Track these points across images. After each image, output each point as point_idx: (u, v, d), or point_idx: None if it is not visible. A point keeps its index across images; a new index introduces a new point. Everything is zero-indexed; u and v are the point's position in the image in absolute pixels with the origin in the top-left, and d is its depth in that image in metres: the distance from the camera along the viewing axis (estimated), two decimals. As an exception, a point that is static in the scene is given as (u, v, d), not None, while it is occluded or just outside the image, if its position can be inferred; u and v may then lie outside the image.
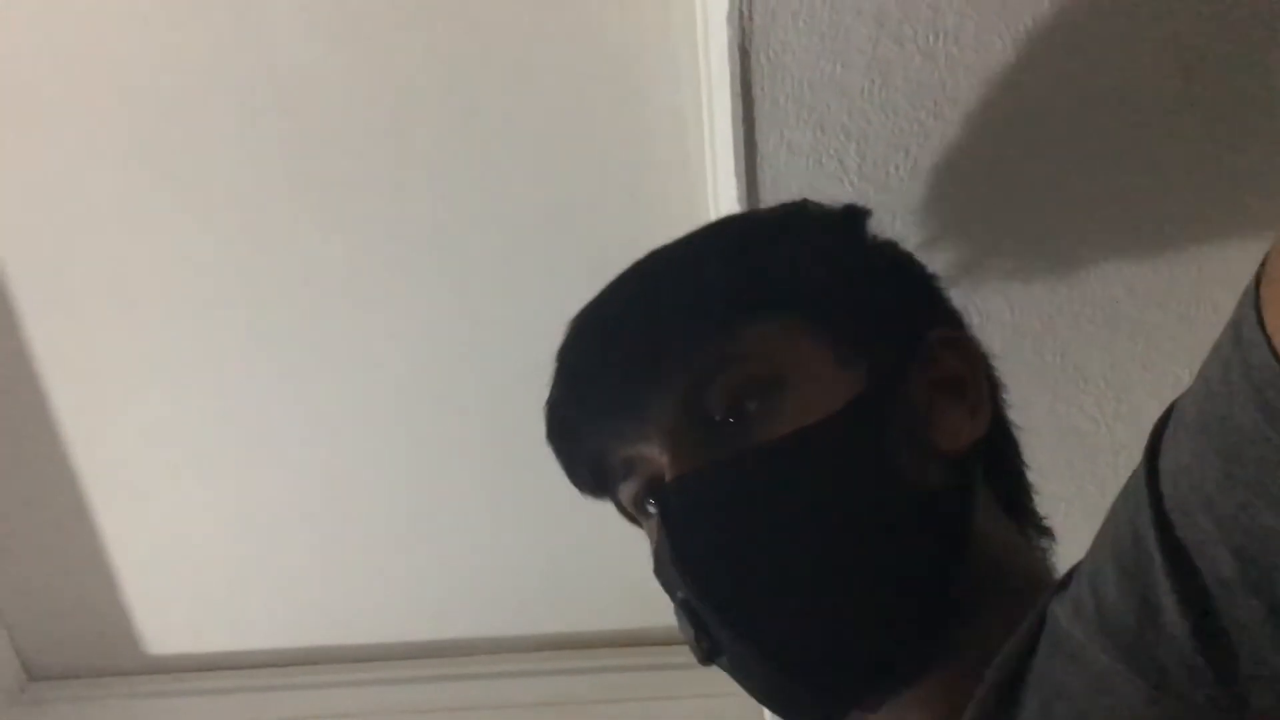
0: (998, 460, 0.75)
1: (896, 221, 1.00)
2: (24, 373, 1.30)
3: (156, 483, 1.36)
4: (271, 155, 1.18)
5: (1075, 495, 1.17)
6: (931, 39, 0.92)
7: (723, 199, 1.02)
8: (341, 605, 1.43)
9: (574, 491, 0.83)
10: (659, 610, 1.39)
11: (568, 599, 1.38)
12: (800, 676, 0.68)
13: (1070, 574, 0.56)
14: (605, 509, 1.28)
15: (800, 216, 0.81)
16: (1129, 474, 1.08)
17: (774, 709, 0.72)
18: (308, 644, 1.46)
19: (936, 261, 1.03)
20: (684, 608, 0.70)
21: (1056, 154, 0.98)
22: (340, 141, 1.17)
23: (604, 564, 1.35)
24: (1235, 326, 0.44)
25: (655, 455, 0.71)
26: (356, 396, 1.30)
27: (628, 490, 0.76)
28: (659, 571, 0.73)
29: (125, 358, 1.29)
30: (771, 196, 0.98)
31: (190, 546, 1.40)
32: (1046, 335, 1.09)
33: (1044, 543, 0.78)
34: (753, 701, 1.31)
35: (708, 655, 0.71)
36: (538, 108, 1.13)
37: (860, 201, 0.98)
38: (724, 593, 0.68)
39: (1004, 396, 0.79)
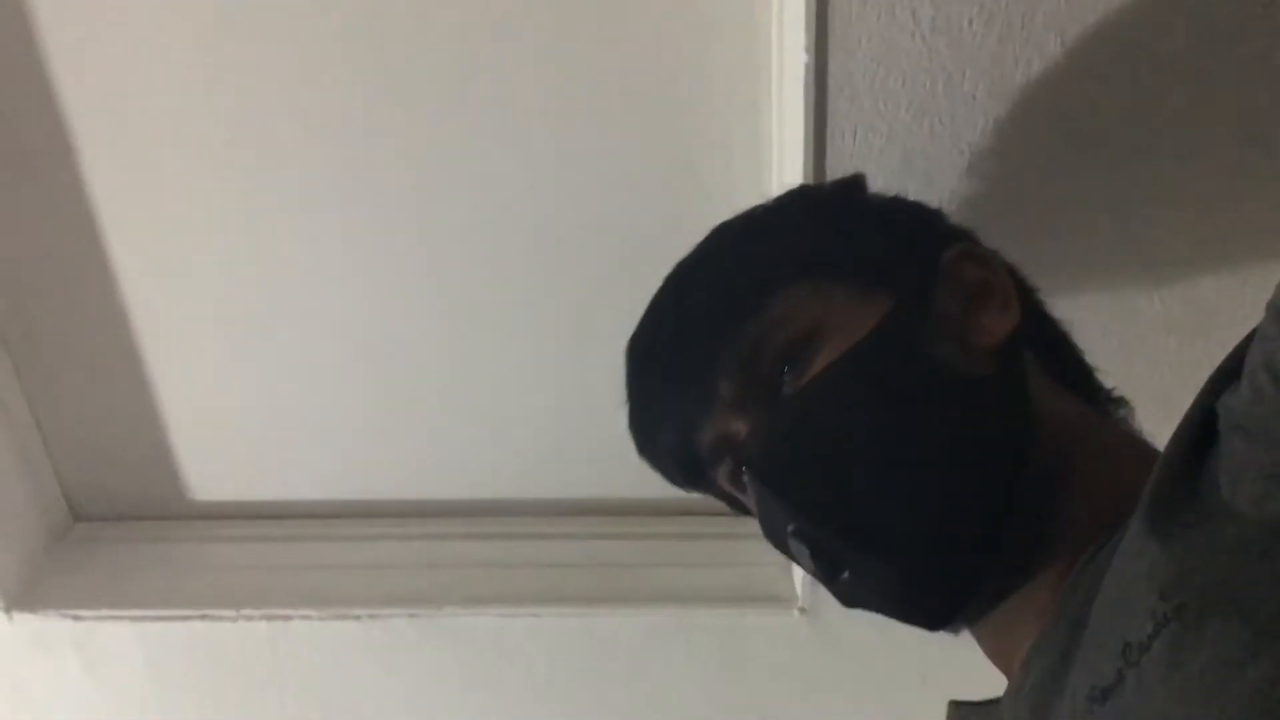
0: (1046, 347, 0.83)
1: (966, 78, 0.98)
2: (82, 218, 1.30)
3: (206, 331, 1.37)
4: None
5: (1126, 374, 1.16)
6: (1013, -113, 0.91)
7: (788, 50, 1.01)
8: (386, 460, 1.45)
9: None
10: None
11: (611, 464, 1.39)
12: (914, 569, 0.72)
13: (1221, 378, 0.58)
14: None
15: (798, 196, 0.94)
16: (1179, 355, 1.10)
17: (896, 612, 0.76)
18: (350, 497, 1.48)
19: (1001, 112, 1.02)
20: (796, 537, 0.75)
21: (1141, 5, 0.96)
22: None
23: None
24: None
25: (735, 429, 0.79)
26: (407, 249, 1.30)
27: (724, 472, 0.83)
28: (767, 527, 0.79)
29: (183, 206, 1.29)
30: (842, 47, 0.96)
31: (238, 396, 1.42)
32: (1101, 210, 1.08)
33: (1121, 412, 0.85)
34: (785, 570, 1.34)
35: (828, 576, 0.76)
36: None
37: (931, 55, 0.98)
38: (825, 509, 0.73)
39: (1039, 296, 0.87)
